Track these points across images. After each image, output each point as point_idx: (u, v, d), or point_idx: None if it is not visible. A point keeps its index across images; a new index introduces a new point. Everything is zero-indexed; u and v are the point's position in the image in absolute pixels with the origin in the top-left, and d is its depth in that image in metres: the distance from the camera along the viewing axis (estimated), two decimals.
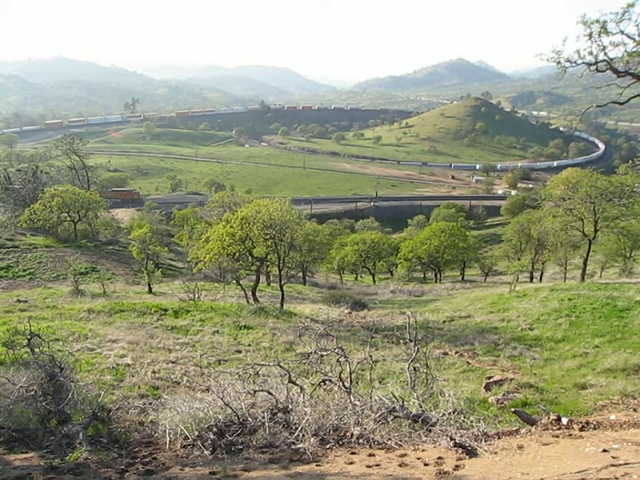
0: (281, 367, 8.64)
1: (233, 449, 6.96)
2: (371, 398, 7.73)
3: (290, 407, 7.65)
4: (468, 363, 14.01)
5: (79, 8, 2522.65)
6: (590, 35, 17.72)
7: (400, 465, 5.97)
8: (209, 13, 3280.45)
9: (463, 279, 52.92)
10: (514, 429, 7.15)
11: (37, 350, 8.84)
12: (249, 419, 7.48)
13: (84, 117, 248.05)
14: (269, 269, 29.81)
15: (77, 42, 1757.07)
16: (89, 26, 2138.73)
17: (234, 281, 27.24)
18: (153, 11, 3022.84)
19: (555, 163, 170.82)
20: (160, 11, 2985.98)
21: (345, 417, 7.32)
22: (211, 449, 6.89)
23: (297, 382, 8.45)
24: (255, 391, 8.10)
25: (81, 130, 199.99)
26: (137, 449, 7.30)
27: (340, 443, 6.94)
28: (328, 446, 6.83)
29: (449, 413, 7.13)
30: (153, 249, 31.29)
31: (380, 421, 7.14)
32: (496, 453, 6.08)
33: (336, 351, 8.55)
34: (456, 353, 15.24)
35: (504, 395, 10.11)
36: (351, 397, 7.68)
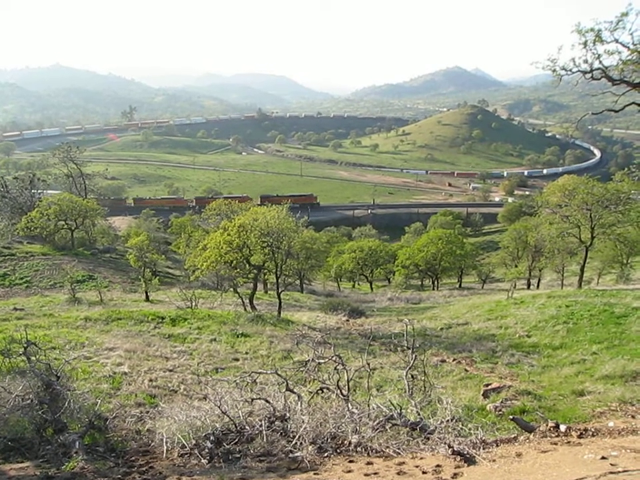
0: (278, 374, 8.61)
1: (230, 457, 6.92)
2: (368, 406, 7.71)
3: (287, 415, 7.62)
4: (466, 370, 13.97)
5: (76, 16, 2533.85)
6: (585, 44, 17.92)
7: (398, 473, 5.94)
8: (206, 21, 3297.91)
9: (460, 286, 52.94)
10: (512, 436, 7.12)
11: (33, 358, 8.79)
12: (247, 427, 7.44)
13: (20, 130, 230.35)
14: (266, 276, 29.82)
15: (74, 50, 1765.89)
16: (86, 34, 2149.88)
17: (231, 289, 27.19)
18: (150, 19, 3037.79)
19: (561, 169, 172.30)
20: (157, 19, 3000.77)
21: (343, 424, 7.29)
22: (208, 457, 6.85)
23: (295, 390, 8.42)
24: (252, 399, 8.07)
25: (78, 138, 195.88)
26: (133, 458, 7.25)
27: (338, 451, 6.90)
28: (326, 454, 6.79)
29: (447, 421, 7.11)
30: (150, 257, 31.28)
31: (378, 428, 7.11)
32: (494, 460, 6.06)
33: (333, 358, 8.53)
34: (454, 360, 15.21)
35: (502, 402, 10.09)
36: (349, 404, 7.66)
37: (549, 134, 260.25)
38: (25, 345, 8.95)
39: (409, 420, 7.25)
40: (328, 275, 56.46)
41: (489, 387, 11.26)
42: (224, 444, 7.10)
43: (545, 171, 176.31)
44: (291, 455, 6.75)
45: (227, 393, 8.18)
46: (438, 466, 6.06)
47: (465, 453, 6.23)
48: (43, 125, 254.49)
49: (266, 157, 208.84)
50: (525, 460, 5.98)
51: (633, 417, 8.34)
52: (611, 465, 5.41)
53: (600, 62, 18.43)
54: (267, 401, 7.91)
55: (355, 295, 43.16)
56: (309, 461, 6.49)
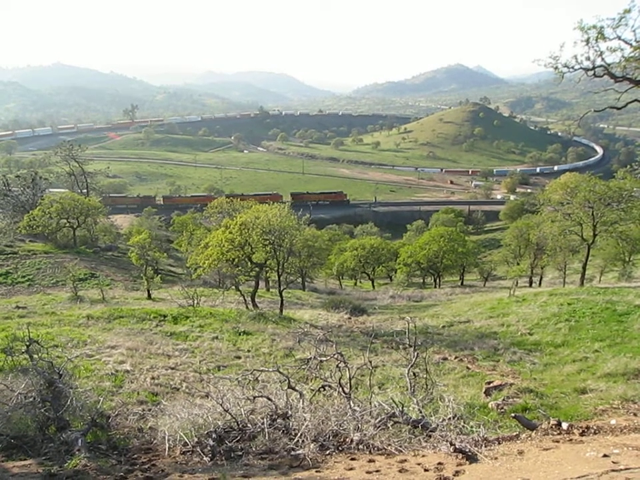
0: (280, 372, 8.62)
1: (232, 455, 6.93)
2: (370, 403, 7.71)
3: (289, 412, 7.63)
4: (467, 368, 13.98)
5: (78, 14, 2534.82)
6: (587, 41, 17.86)
7: (400, 471, 5.94)
8: (208, 19, 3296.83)
9: (462, 283, 52.91)
10: (514, 434, 7.13)
11: (35, 356, 8.81)
12: (249, 425, 7.45)
13: (13, 129, 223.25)
14: (268, 274, 29.81)
15: (75, 48, 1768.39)
16: (88, 32, 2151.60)
17: (233, 287, 27.21)
18: (152, 17, 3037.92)
19: (568, 166, 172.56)
20: (159, 17, 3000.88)
21: (345, 422, 7.30)
22: (210, 455, 6.87)
23: (297, 388, 8.43)
24: (254, 397, 8.08)
25: (77, 137, 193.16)
26: (136, 456, 7.27)
27: (340, 448, 6.91)
28: (328, 452, 6.80)
29: (449, 419, 7.10)
30: (152, 255, 31.32)
31: (380, 426, 7.11)
32: (496, 458, 6.06)
33: (335, 356, 8.53)
34: (455, 358, 15.21)
35: (504, 400, 10.08)
36: (351, 402, 7.66)
37: (551, 131, 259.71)
38: (28, 343, 8.97)
39: (411, 418, 7.25)
40: (330, 272, 56.47)
41: (491, 384, 11.25)
42: (226, 442, 7.11)
43: (555, 167, 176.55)
44: (292, 453, 6.76)
45: (229, 391, 8.19)
46: (440, 463, 6.06)
47: (467, 450, 6.23)
48: (44, 124, 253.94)
49: (268, 155, 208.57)
50: (526, 457, 5.97)
51: (635, 414, 8.31)
52: (613, 462, 5.40)
53: (602, 59, 18.39)
54: (269, 399, 7.92)
55: (357, 293, 43.16)
56: (310, 459, 6.50)
